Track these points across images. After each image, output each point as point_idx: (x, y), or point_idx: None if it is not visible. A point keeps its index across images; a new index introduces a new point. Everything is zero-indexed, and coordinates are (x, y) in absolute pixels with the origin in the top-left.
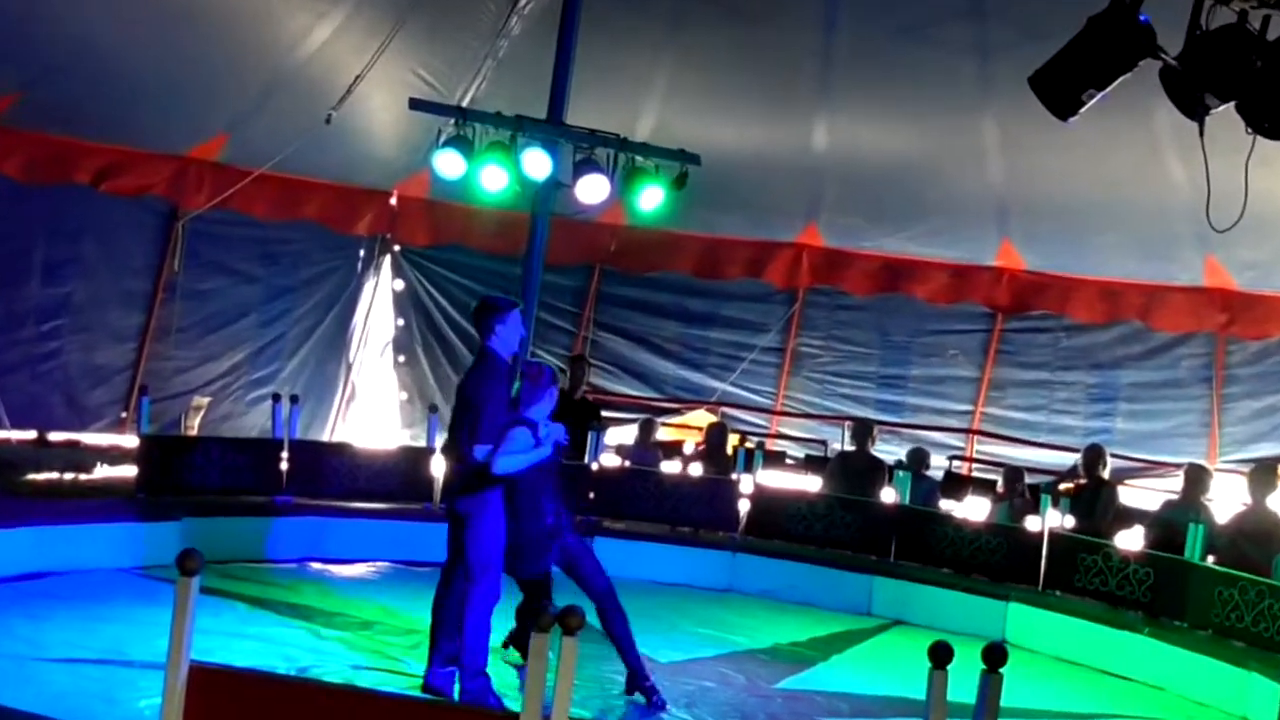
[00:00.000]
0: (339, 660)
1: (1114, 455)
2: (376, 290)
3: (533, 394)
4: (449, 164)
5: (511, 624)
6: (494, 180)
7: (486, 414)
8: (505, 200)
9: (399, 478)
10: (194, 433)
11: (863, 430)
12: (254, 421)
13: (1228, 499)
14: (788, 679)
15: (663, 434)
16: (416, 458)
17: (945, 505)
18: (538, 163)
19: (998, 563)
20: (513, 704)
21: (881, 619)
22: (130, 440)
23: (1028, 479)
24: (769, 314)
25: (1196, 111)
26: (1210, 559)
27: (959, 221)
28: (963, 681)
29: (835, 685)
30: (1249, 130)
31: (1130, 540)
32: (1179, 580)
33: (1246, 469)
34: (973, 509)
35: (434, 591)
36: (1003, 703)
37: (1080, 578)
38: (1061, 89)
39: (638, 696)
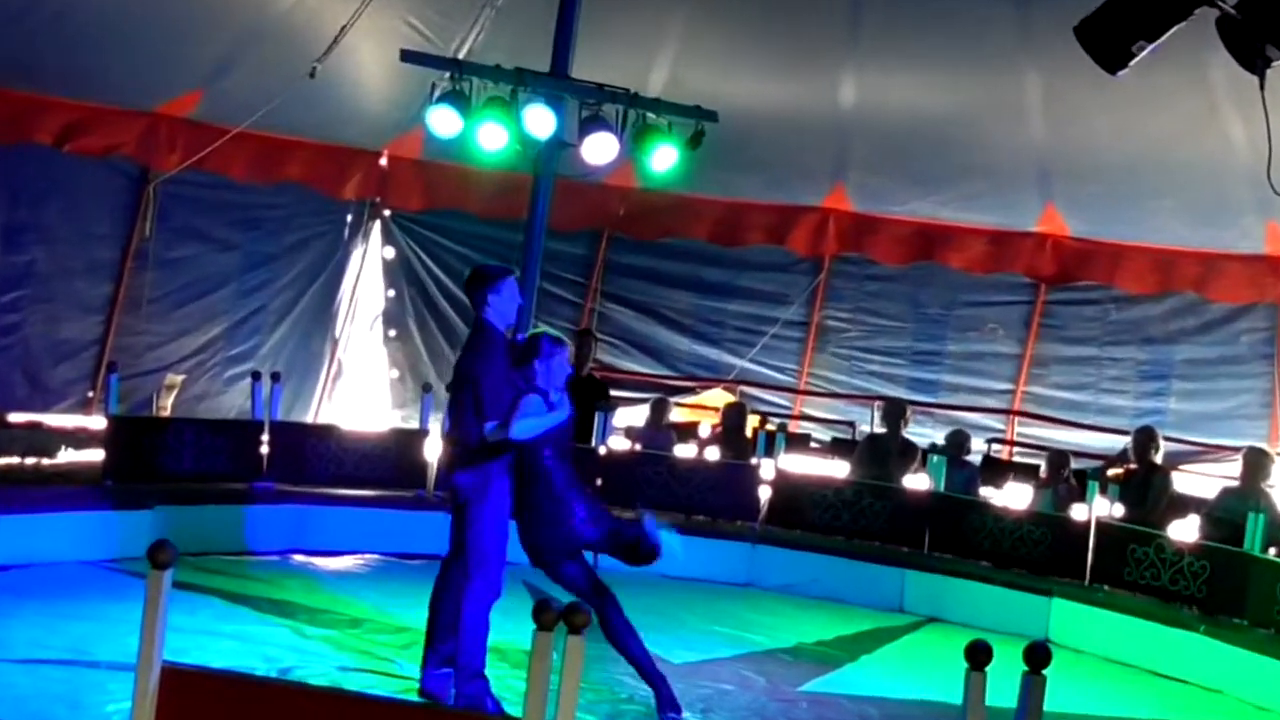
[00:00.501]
0: (324, 661)
1: (1167, 438)
2: (365, 259)
3: (543, 368)
4: (444, 121)
5: (511, 622)
6: (492, 139)
7: (488, 389)
8: (505, 161)
9: (390, 463)
10: (167, 414)
11: (894, 411)
12: (232, 401)
13: None
14: (812, 681)
15: (676, 415)
16: (409, 441)
17: (984, 493)
18: (540, 120)
19: (1040, 555)
20: (513, 708)
21: (914, 616)
22: (97, 422)
23: (1073, 464)
24: (792, 284)
25: (1256, 65)
26: (1271, 551)
27: (998, 184)
28: (1002, 684)
29: (864, 688)
30: None
31: (1184, 531)
32: (1237, 574)
33: None
34: (1013, 497)
35: (430, 586)
36: (1046, 707)
37: (1130, 571)
38: (1110, 40)
39: (648, 699)
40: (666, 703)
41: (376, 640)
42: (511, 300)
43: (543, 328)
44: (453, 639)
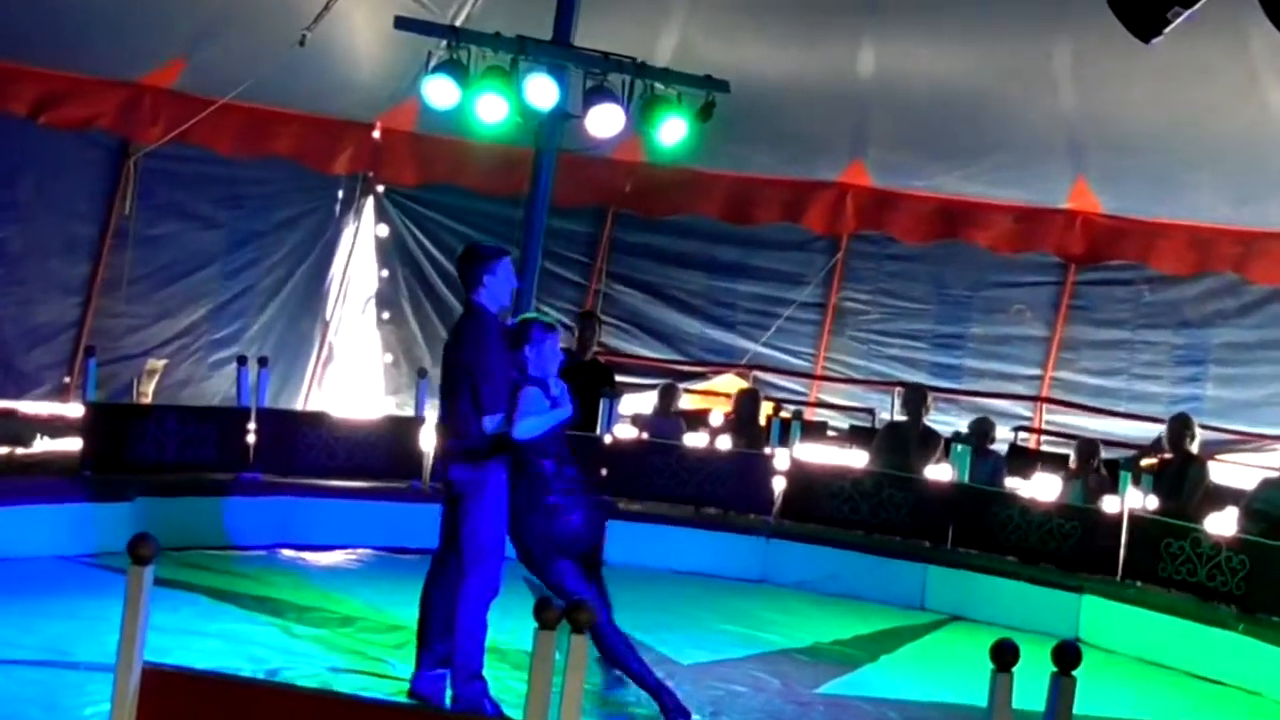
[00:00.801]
0: (314, 662)
1: (1203, 426)
2: (357, 237)
3: (534, 354)
4: (440, 92)
5: (511, 620)
6: (492, 111)
7: (488, 377)
8: (505, 134)
9: (383, 452)
10: (148, 401)
11: (915, 398)
12: (217, 388)
13: None
14: (829, 683)
15: (685, 402)
16: (403, 429)
17: (1010, 484)
18: (542, 90)
19: (1070, 550)
20: (513, 711)
21: (937, 614)
22: (75, 409)
23: (1104, 454)
24: (808, 264)
25: None
26: None
27: (1026, 158)
28: (1030, 686)
29: (884, 690)
30: None
31: (1222, 524)
32: (1278, 570)
33: None
34: (1041, 488)
35: (423, 583)
36: (1076, 710)
37: (1165, 567)
38: (1144, 7)
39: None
40: (674, 710)
41: (369, 640)
42: (507, 282)
43: (533, 313)
44: (448, 638)
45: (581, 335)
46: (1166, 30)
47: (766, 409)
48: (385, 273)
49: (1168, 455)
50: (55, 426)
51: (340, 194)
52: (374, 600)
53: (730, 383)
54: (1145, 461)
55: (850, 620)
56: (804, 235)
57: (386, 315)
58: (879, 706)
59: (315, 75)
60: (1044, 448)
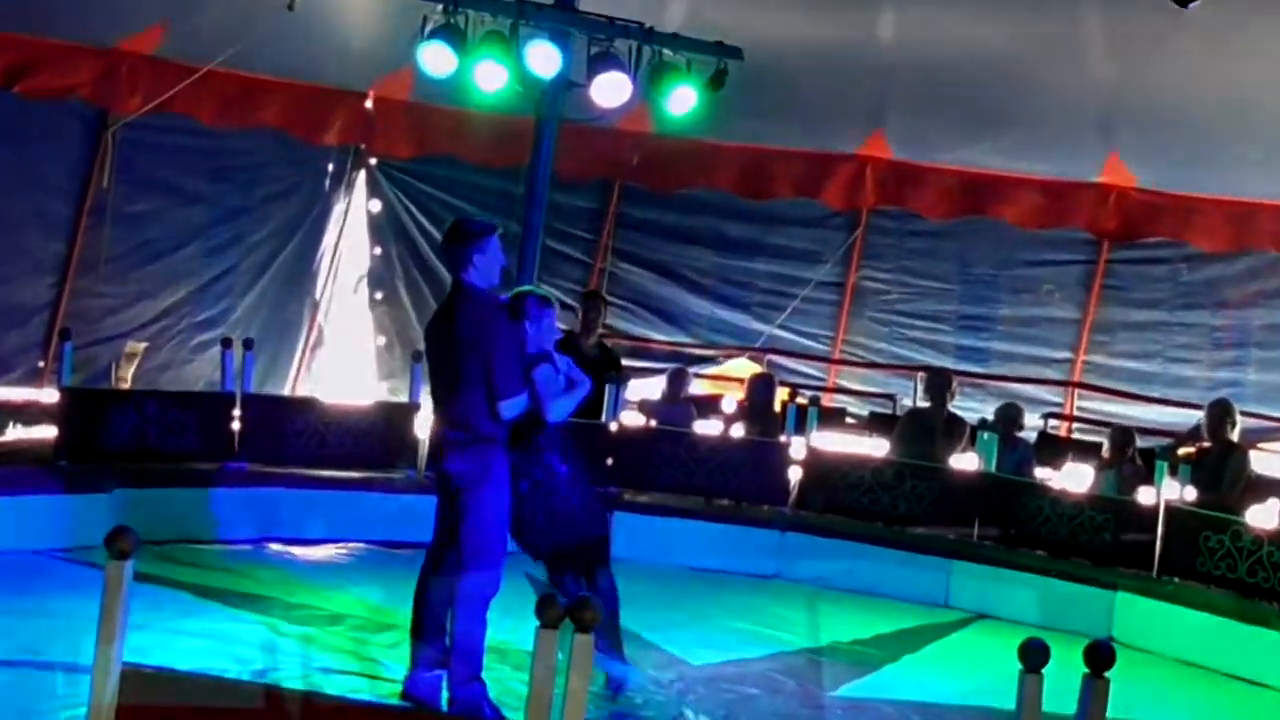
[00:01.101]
0: (302, 662)
1: (1244, 413)
2: (348, 212)
3: (534, 330)
4: (436, 59)
5: (512, 619)
6: (491, 79)
7: (503, 359)
8: (505, 103)
9: (376, 440)
10: (127, 386)
11: (939, 383)
12: (199, 372)
13: None
14: (848, 684)
15: (696, 387)
16: (397, 416)
17: (1039, 474)
18: (544, 57)
19: (1103, 544)
20: (514, 714)
21: (961, 612)
22: (49, 395)
23: (1139, 442)
24: (825, 241)
25: None
26: None
27: (1056, 130)
28: (1060, 688)
29: (906, 692)
30: None
31: (1264, 516)
32: None
33: None
34: (1073, 478)
35: (417, 579)
36: (1109, 713)
37: (1203, 562)
38: None
39: (664, 705)
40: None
41: (360, 639)
42: (496, 260)
43: (527, 287)
44: (445, 638)
45: (585, 316)
46: None
47: (781, 395)
48: (378, 250)
49: (1206, 444)
50: (29, 413)
51: (331, 167)
52: (366, 597)
53: (743, 367)
54: (1183, 450)
55: (870, 618)
56: (821, 211)
57: (379, 295)
58: (901, 709)
59: (304, 41)
60: (1075, 435)
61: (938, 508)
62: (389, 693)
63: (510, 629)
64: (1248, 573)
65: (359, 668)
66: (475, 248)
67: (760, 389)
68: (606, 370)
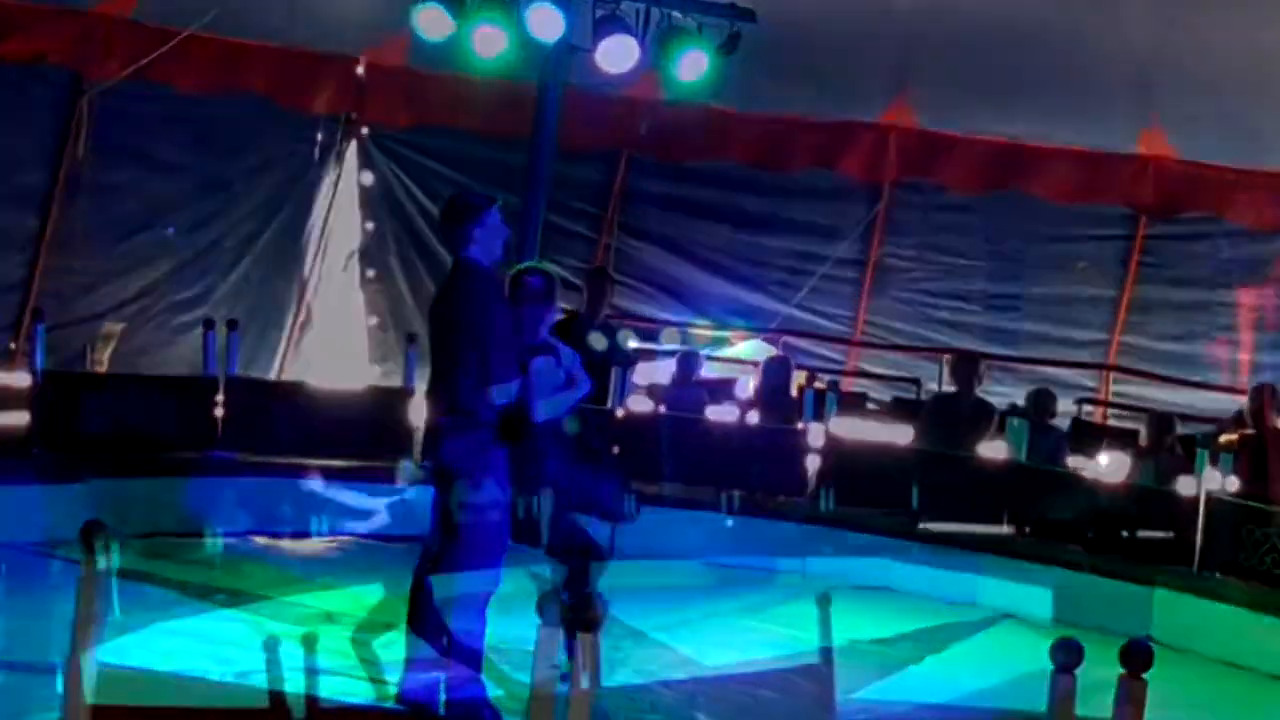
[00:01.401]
0: (291, 663)
1: None
2: (339, 185)
3: (533, 311)
4: (432, 23)
5: (512, 617)
6: (490, 43)
7: (496, 342)
8: (505, 69)
9: (367, 427)
10: (103, 369)
11: (967, 367)
12: (181, 355)
13: None
14: (869, 686)
15: (708, 371)
16: (390, 401)
17: (1072, 463)
18: (546, 21)
19: (1140, 538)
20: (514, 717)
21: (989, 610)
22: (22, 379)
23: (1179, 429)
24: (845, 216)
25: None
26: None
27: (1091, 98)
28: (1095, 689)
29: (930, 694)
30: None
31: None
32: None
33: None
34: (1109, 468)
35: (412, 574)
36: (1147, 716)
37: (1246, 556)
38: None
39: (673, 708)
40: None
41: (354, 638)
42: (498, 234)
43: (531, 262)
44: (442, 637)
45: (591, 296)
46: None
47: (799, 379)
48: (370, 225)
49: (1249, 431)
50: None
51: (320, 137)
52: (358, 594)
53: (758, 349)
54: (1225, 438)
55: (892, 616)
56: (841, 183)
57: (371, 273)
58: (923, 712)
59: (292, 3)
60: (1111, 422)
61: (965, 499)
62: (383, 695)
63: (511, 628)
64: None
65: (351, 669)
66: (475, 222)
67: (776, 372)
68: (613, 366)
